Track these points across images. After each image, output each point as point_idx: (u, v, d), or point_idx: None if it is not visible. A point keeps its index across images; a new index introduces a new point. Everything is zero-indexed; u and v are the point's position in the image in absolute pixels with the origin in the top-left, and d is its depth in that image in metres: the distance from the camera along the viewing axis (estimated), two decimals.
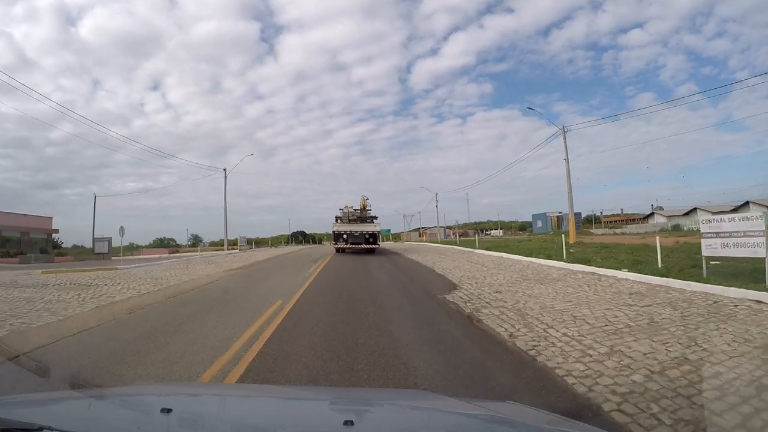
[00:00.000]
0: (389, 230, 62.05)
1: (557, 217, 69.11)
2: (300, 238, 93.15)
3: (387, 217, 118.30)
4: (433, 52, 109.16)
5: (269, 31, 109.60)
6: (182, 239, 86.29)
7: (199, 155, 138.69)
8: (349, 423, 1.15)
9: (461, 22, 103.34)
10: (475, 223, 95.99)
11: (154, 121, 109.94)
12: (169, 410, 1.28)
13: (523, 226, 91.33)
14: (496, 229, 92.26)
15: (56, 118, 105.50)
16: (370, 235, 22.29)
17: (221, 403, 1.67)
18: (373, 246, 22.31)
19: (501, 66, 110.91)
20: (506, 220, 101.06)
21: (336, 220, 24.61)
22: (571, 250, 16.20)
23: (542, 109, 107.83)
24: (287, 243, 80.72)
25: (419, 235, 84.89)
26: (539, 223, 74.10)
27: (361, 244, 22.05)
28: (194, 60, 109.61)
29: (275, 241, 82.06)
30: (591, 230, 57.13)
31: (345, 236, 22.34)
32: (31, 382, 3.26)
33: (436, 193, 61.33)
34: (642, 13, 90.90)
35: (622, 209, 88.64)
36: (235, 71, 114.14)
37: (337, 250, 22.76)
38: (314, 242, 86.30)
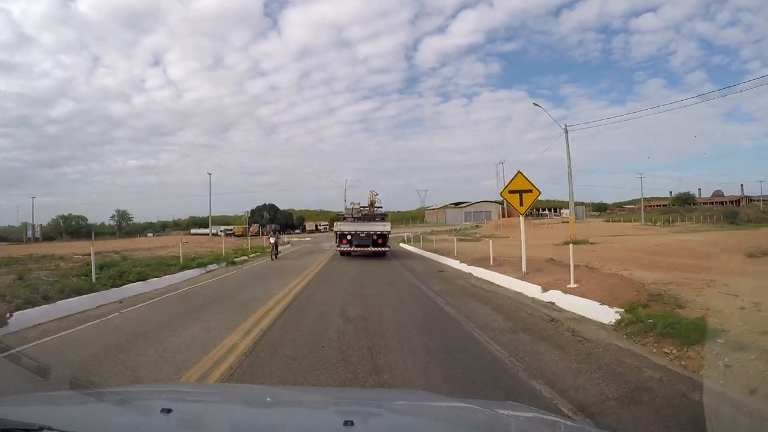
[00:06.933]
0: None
1: None
2: (265, 215, 58.97)
3: (390, 198, 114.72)
4: (441, 29, 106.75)
5: (273, 6, 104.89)
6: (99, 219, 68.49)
7: (200, 132, 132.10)
8: (349, 423, 1.16)
9: None
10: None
11: (154, 97, 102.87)
12: (169, 410, 1.29)
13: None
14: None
15: None
16: (378, 235, 20.94)
17: (221, 403, 1.69)
18: (383, 249, 21.04)
19: (509, 46, 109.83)
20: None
21: (339, 219, 23.15)
22: None
23: (549, 91, 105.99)
24: (249, 228, 50.14)
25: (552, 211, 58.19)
26: None
27: (368, 246, 20.70)
28: (196, 35, 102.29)
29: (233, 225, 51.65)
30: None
31: (350, 237, 20.94)
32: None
33: None
34: None
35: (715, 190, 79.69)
36: (237, 47, 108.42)
37: (341, 254, 21.71)
38: (287, 229, 53.49)
